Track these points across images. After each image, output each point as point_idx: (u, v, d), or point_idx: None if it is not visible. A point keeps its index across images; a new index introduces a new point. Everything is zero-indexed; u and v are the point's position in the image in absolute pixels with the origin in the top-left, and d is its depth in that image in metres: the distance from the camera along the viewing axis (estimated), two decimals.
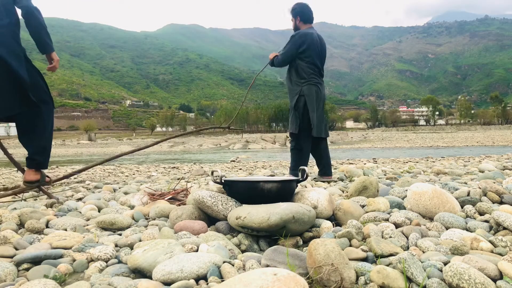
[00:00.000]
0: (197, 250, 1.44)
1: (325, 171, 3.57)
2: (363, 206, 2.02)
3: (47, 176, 2.69)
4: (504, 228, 1.57)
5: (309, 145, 3.54)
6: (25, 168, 2.59)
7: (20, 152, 13.32)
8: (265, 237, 1.64)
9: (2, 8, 2.28)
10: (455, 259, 1.22)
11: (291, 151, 3.58)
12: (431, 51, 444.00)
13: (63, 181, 4.63)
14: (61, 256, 1.45)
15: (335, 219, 1.90)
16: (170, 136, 4.01)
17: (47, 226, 1.93)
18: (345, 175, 3.84)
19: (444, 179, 3.37)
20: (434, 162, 7.02)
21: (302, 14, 3.62)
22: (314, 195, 1.92)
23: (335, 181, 3.51)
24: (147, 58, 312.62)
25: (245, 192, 1.91)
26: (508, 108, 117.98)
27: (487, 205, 1.83)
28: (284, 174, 4.79)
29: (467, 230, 1.62)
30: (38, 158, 2.54)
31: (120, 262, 1.41)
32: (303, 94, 3.47)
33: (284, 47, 3.61)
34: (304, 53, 3.47)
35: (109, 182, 4.63)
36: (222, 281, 1.16)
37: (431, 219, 1.79)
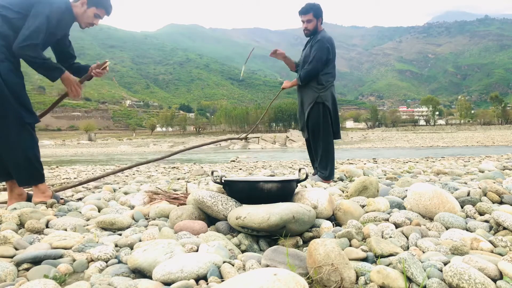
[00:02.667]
0: (197, 250, 1.44)
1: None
2: (363, 206, 2.02)
3: (61, 198, 2.61)
4: (504, 228, 1.57)
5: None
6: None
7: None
8: (265, 237, 1.64)
9: None
10: (455, 259, 1.22)
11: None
12: (431, 51, 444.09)
13: (62, 180, 4.63)
14: (61, 256, 1.45)
15: (335, 219, 1.90)
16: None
17: (47, 226, 1.93)
18: (345, 175, 3.84)
19: (444, 179, 3.37)
20: (434, 162, 7.02)
21: (322, 15, 3.46)
22: (314, 195, 1.92)
23: (335, 181, 3.52)
24: (147, 58, 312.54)
25: (245, 192, 1.91)
26: (508, 108, 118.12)
27: (487, 205, 1.83)
28: (284, 174, 4.79)
29: (467, 230, 1.62)
30: (15, 175, 2.42)
31: (120, 262, 1.41)
32: (321, 101, 3.43)
33: (311, 54, 3.41)
34: (329, 59, 3.40)
35: (109, 182, 4.63)
36: (222, 281, 1.16)
37: (431, 219, 1.79)
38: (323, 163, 3.49)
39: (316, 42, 3.41)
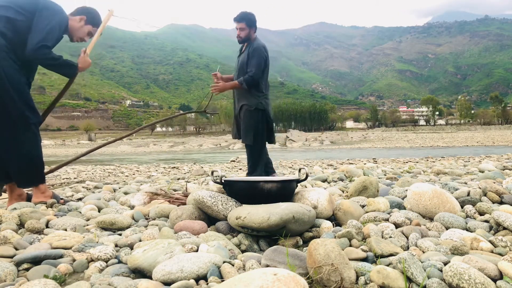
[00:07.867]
0: (197, 250, 1.44)
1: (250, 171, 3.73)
2: (363, 206, 2.02)
3: (61, 198, 2.61)
4: (504, 228, 1.57)
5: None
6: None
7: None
8: (265, 237, 1.64)
9: None
10: (455, 259, 1.22)
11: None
12: (431, 51, 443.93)
13: (62, 180, 4.64)
14: (61, 256, 1.45)
15: (335, 219, 1.90)
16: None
17: (47, 226, 1.93)
18: (345, 175, 3.84)
19: (444, 179, 3.37)
20: (434, 162, 7.02)
21: (255, 25, 3.58)
22: (314, 195, 1.92)
23: (335, 181, 3.52)
24: (147, 58, 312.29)
25: (245, 192, 1.91)
26: (508, 108, 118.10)
27: (487, 205, 1.83)
28: (284, 174, 4.80)
29: (467, 230, 1.62)
30: (16, 177, 2.42)
31: (120, 262, 1.41)
32: (263, 108, 3.59)
33: (251, 62, 3.52)
34: (266, 67, 3.57)
35: (109, 182, 4.63)
36: (222, 281, 1.16)
37: (431, 219, 1.79)
38: (254, 166, 3.66)
39: (253, 51, 3.53)
